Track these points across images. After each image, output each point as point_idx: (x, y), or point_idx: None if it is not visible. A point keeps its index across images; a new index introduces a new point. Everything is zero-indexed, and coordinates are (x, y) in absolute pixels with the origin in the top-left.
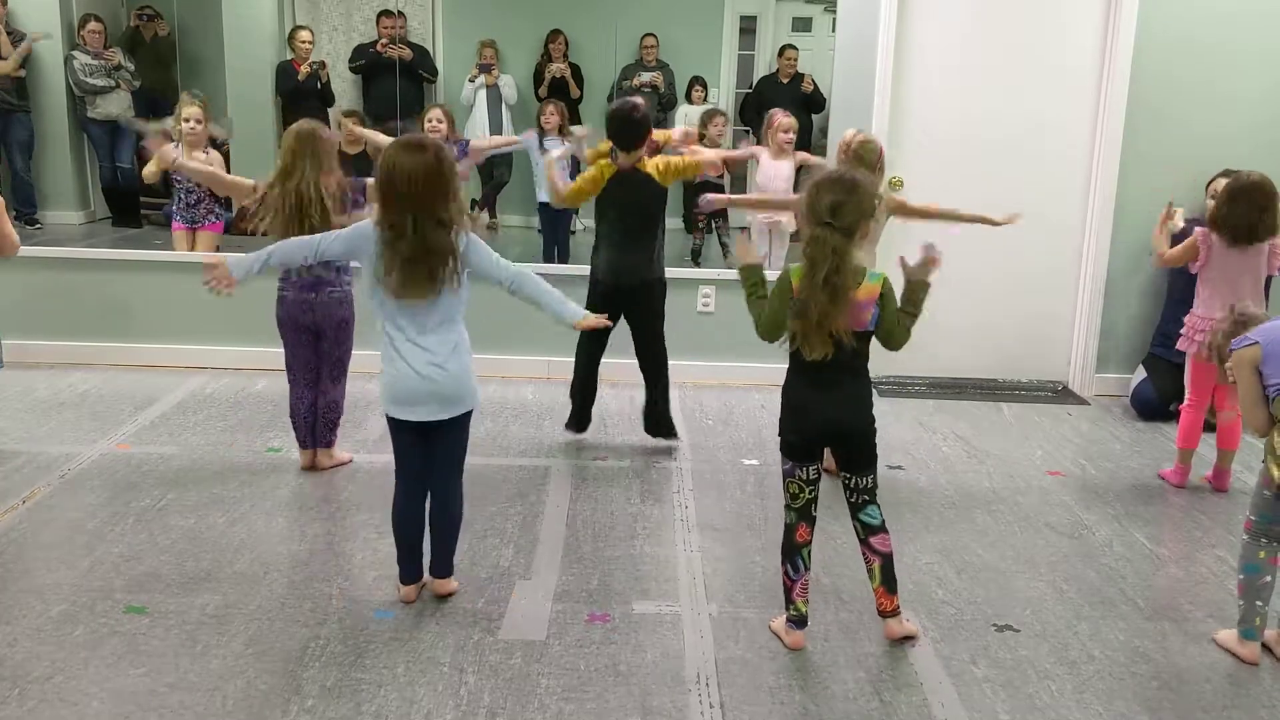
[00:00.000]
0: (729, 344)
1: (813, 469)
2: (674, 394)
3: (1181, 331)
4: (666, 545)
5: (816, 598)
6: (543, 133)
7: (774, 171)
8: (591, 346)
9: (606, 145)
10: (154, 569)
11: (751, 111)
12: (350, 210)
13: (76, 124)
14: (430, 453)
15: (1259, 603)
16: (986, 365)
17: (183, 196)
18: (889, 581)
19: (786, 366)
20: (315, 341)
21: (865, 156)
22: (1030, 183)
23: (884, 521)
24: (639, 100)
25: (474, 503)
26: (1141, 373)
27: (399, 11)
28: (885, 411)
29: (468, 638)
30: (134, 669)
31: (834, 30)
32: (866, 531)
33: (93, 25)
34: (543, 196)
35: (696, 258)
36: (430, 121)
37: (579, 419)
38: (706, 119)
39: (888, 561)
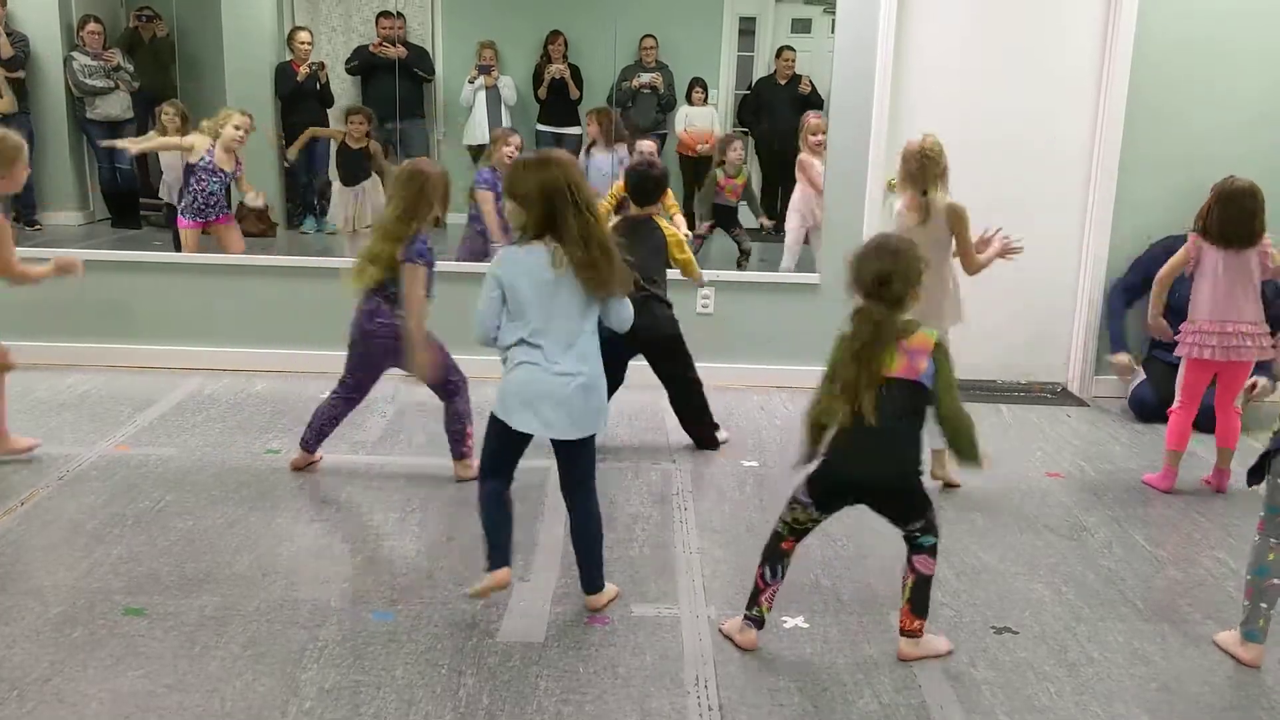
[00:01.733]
0: (728, 345)
1: (825, 516)
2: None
3: (1177, 336)
4: (665, 547)
5: (816, 599)
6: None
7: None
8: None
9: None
10: (153, 570)
11: (749, 113)
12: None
13: (76, 125)
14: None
15: (1264, 604)
16: (986, 367)
17: (196, 196)
18: (917, 602)
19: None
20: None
21: (936, 158)
22: (1030, 184)
23: (935, 545)
24: (655, 158)
25: (472, 504)
26: (1140, 374)
27: (398, 12)
28: None
29: (466, 640)
30: (132, 670)
31: (833, 32)
32: (914, 550)
33: (92, 26)
34: None
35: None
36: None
37: None
38: (725, 145)
39: (922, 582)
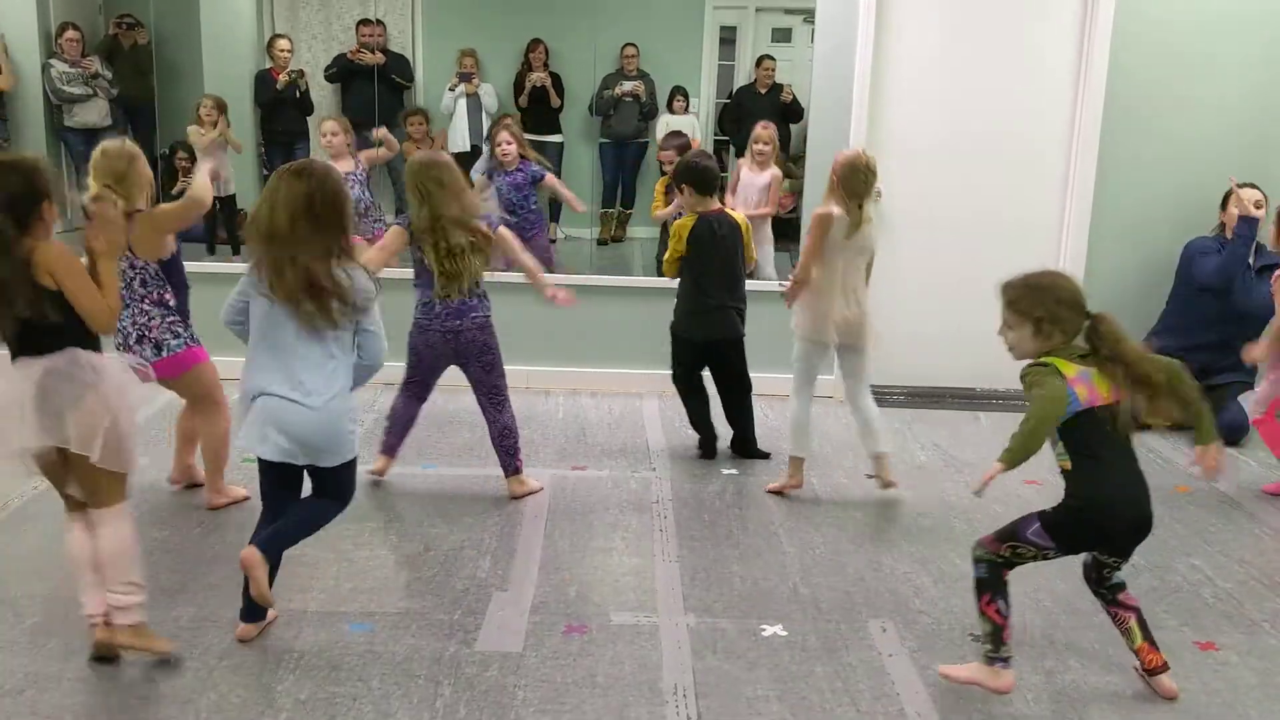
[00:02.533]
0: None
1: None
2: (654, 403)
3: None
4: (645, 555)
5: (794, 607)
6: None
7: (750, 182)
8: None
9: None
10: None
11: (730, 121)
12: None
13: (54, 133)
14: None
15: None
16: (964, 374)
17: None
18: (1149, 633)
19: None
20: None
21: (874, 171)
22: (1008, 190)
23: (1124, 579)
24: (702, 150)
25: (450, 514)
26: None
27: (378, 20)
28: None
29: (444, 650)
30: (106, 681)
31: (813, 41)
32: (1113, 592)
33: (70, 33)
34: None
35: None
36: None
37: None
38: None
39: (1140, 614)
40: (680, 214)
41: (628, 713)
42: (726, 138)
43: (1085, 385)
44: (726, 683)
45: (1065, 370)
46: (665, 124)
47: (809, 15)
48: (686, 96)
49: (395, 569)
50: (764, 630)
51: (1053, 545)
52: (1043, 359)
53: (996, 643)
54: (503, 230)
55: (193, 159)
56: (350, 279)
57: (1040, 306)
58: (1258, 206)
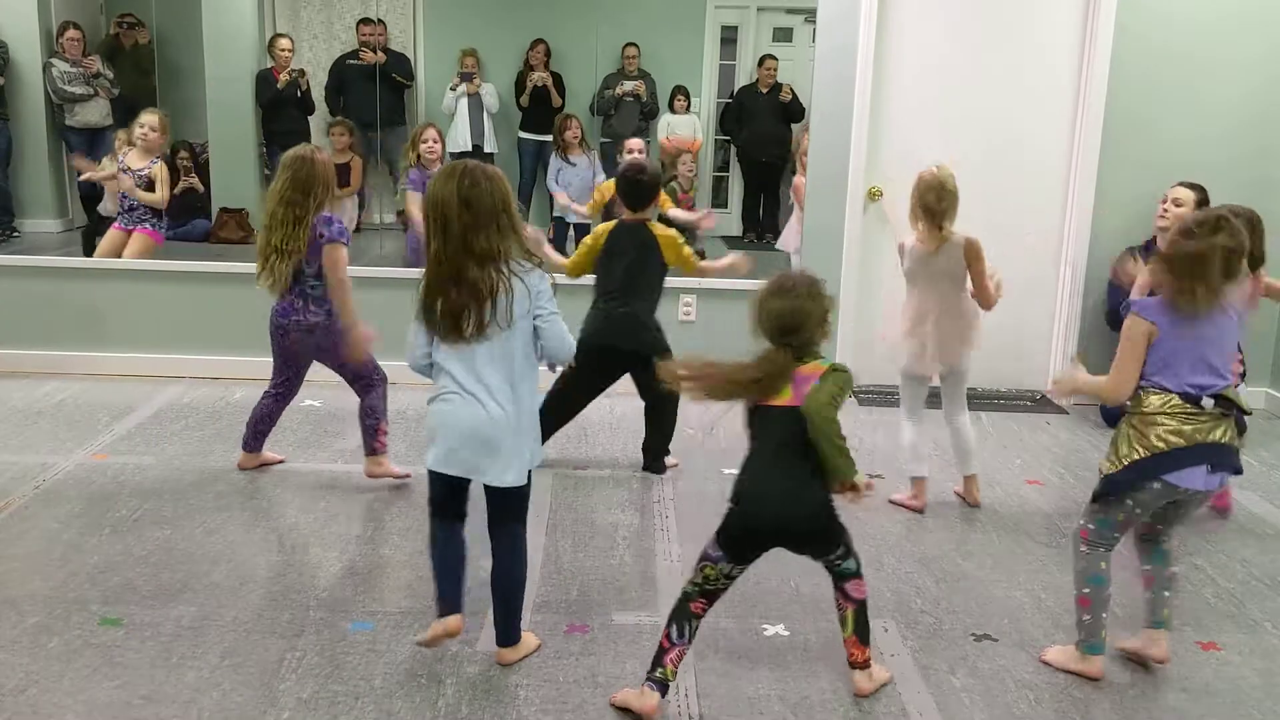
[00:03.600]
0: (710, 353)
1: (739, 569)
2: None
3: None
4: (646, 555)
5: (796, 607)
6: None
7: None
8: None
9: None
10: (130, 580)
11: (732, 121)
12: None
13: (55, 132)
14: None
15: (1105, 615)
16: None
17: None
18: (861, 630)
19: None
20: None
21: (954, 190)
22: (1009, 191)
23: (860, 567)
24: (646, 161)
25: None
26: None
27: (379, 20)
28: (865, 421)
29: (446, 649)
30: (108, 681)
31: (814, 40)
32: (841, 579)
33: (71, 33)
34: None
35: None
36: (426, 142)
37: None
38: (674, 160)
39: (861, 608)
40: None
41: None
42: (728, 137)
43: None
44: (728, 682)
45: None
46: (667, 123)
47: (810, 15)
48: (688, 96)
49: (397, 568)
50: (766, 630)
51: (720, 553)
52: None
53: (655, 663)
54: (333, 248)
55: (193, 158)
56: None
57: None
58: (1176, 204)
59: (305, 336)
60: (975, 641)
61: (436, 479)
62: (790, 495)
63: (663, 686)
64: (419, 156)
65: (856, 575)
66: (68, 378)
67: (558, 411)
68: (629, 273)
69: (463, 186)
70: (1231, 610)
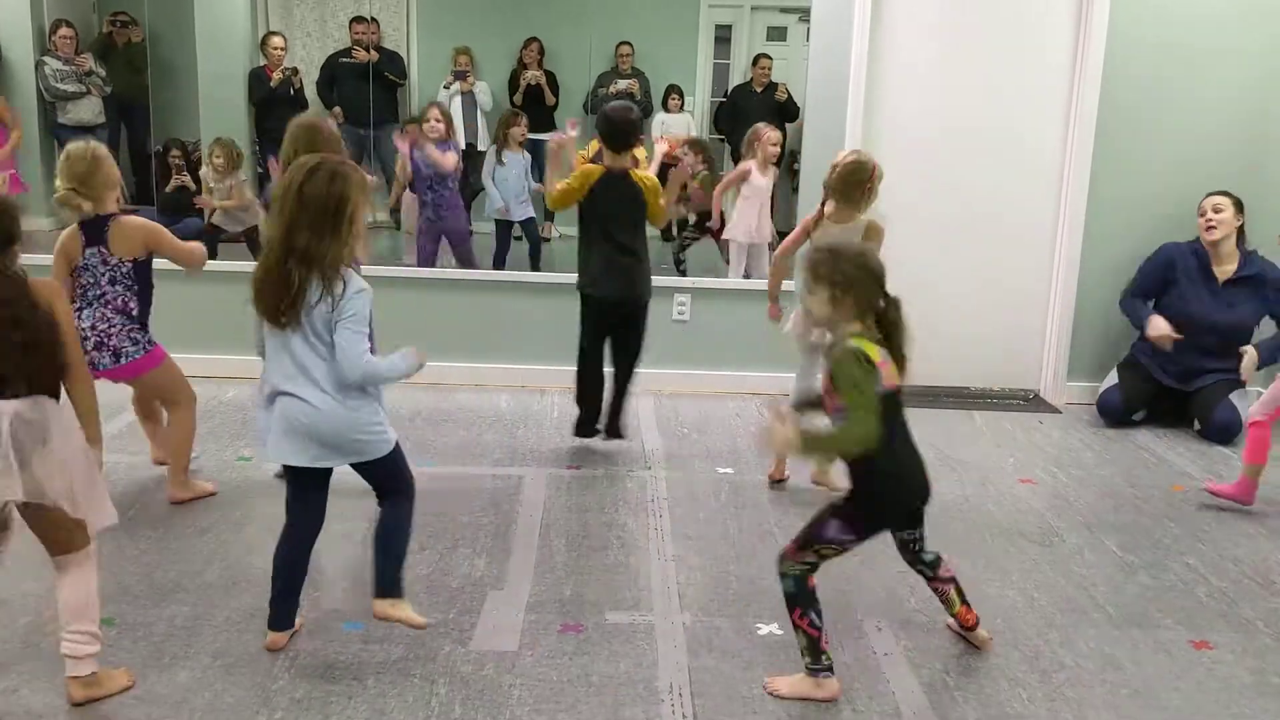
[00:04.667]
0: (704, 352)
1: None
2: (650, 402)
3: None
4: (640, 554)
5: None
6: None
7: (762, 184)
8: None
9: (593, 148)
10: (122, 580)
11: (726, 120)
12: None
13: (48, 130)
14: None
15: None
16: (958, 373)
17: None
18: (966, 599)
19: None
20: None
21: (857, 176)
22: (1003, 190)
23: (937, 553)
24: (631, 104)
25: (446, 512)
26: (1111, 379)
27: (372, 18)
28: None
29: (439, 649)
30: None
31: (808, 40)
32: (932, 568)
33: (64, 31)
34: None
35: (679, 266)
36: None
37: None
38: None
39: (958, 583)
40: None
41: (623, 712)
42: (722, 136)
43: (887, 367)
44: (722, 681)
45: (872, 353)
46: (661, 122)
47: (804, 14)
48: (681, 95)
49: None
50: (760, 629)
51: (854, 536)
52: (851, 344)
53: (815, 654)
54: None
55: (185, 156)
56: None
57: (838, 271)
58: (1216, 211)
59: None
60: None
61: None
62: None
63: (831, 670)
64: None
65: (939, 559)
66: None
67: (594, 380)
68: (633, 220)
69: (305, 180)
70: (1224, 609)
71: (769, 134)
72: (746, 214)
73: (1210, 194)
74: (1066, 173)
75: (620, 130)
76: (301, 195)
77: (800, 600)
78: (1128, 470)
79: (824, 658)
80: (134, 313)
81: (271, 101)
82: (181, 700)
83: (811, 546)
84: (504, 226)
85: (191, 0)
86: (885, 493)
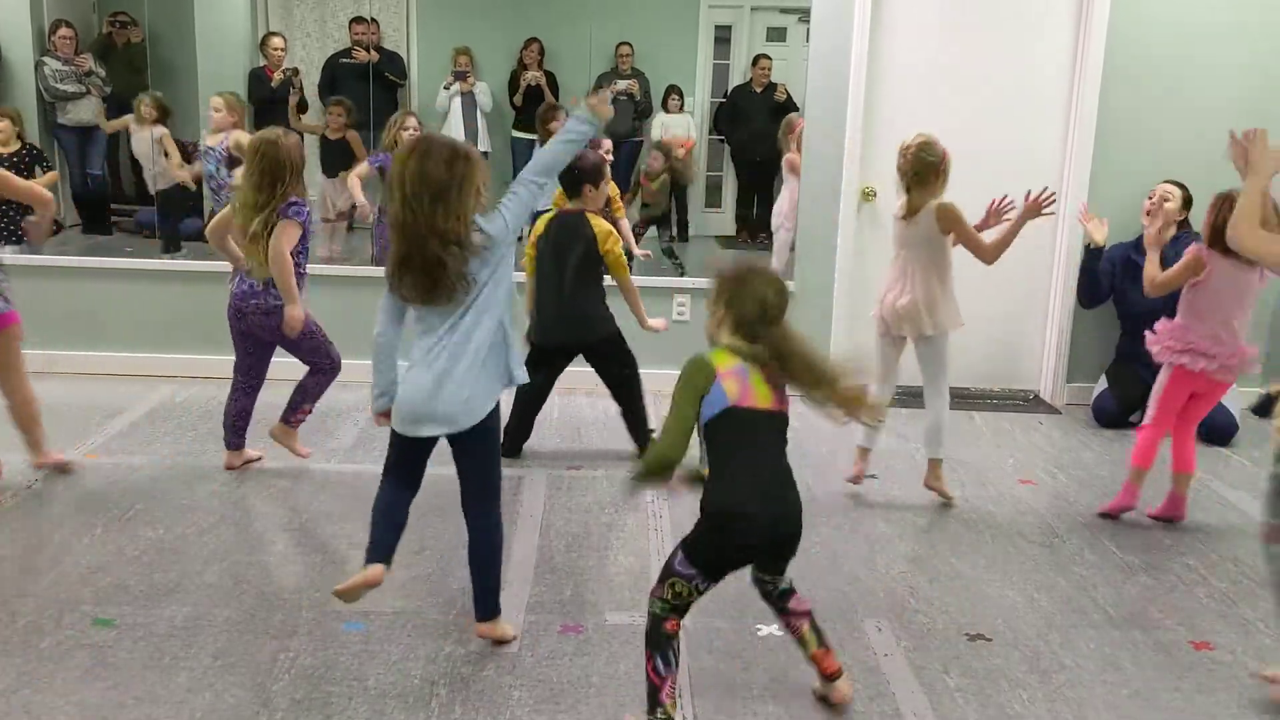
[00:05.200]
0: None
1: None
2: (650, 402)
3: (1152, 335)
4: (640, 555)
5: None
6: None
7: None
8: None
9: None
10: (122, 580)
11: (725, 120)
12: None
13: (47, 130)
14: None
15: None
16: (958, 374)
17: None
18: (824, 640)
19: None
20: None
21: (927, 159)
22: (1002, 191)
23: (790, 582)
24: (587, 151)
25: (445, 512)
26: (1101, 384)
27: (372, 18)
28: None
29: (439, 649)
30: (100, 682)
31: (808, 40)
32: (784, 599)
33: (64, 31)
34: None
35: (672, 257)
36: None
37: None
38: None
39: (813, 620)
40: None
41: (623, 712)
42: (722, 137)
43: (738, 381)
44: (722, 682)
45: (719, 362)
46: (661, 123)
47: (804, 14)
48: (681, 95)
49: (391, 567)
50: (760, 630)
51: (695, 572)
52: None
53: (651, 704)
54: (284, 224)
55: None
56: None
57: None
58: (1165, 199)
59: (264, 319)
60: (969, 641)
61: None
62: (792, 501)
63: None
64: (396, 141)
65: (791, 591)
66: (59, 377)
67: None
68: (561, 269)
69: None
70: (1224, 610)
71: (801, 123)
72: (784, 203)
73: (1165, 180)
74: (1066, 173)
75: (568, 175)
76: (423, 175)
77: (651, 640)
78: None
79: (659, 711)
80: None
81: (272, 101)
82: (182, 701)
83: (666, 580)
84: None
85: (191, 0)
86: (709, 527)
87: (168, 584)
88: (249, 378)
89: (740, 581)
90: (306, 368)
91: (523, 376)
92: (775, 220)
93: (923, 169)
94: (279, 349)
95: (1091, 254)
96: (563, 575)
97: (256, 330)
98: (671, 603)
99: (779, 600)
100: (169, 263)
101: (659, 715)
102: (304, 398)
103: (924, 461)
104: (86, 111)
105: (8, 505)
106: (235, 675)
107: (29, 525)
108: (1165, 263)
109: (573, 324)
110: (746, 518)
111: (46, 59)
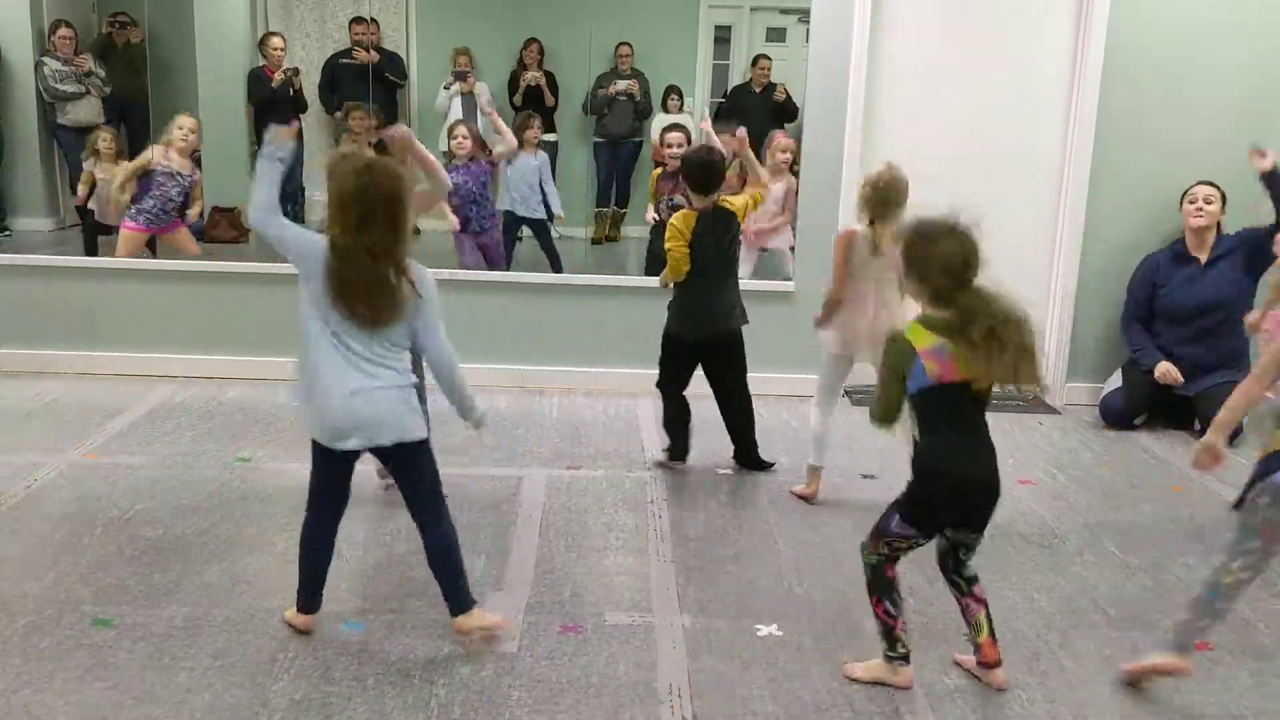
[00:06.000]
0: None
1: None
2: (650, 402)
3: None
4: (640, 555)
5: (790, 607)
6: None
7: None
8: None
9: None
10: (121, 580)
11: (725, 121)
12: None
13: (47, 130)
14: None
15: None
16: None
17: (155, 200)
18: (992, 628)
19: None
20: None
21: (893, 194)
22: (1002, 193)
23: (977, 571)
24: (715, 145)
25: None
26: (1115, 381)
27: (371, 19)
28: (858, 420)
29: (438, 650)
30: (100, 682)
31: (808, 41)
32: (969, 584)
33: (63, 31)
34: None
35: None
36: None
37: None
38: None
39: (989, 610)
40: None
41: (622, 713)
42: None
43: (936, 361)
44: (721, 683)
45: (917, 341)
46: (661, 123)
47: (804, 15)
48: (681, 96)
49: (389, 568)
50: (759, 630)
51: (914, 531)
52: (900, 328)
53: (890, 641)
54: None
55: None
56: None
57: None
58: (1208, 202)
59: None
60: (968, 641)
61: None
62: (989, 461)
63: (907, 659)
64: (449, 152)
65: (976, 577)
66: (59, 377)
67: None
68: (718, 267)
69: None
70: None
71: (780, 140)
72: (759, 220)
73: (1201, 182)
74: (1066, 173)
75: (708, 175)
76: (369, 195)
77: (876, 587)
78: (1127, 471)
79: (899, 645)
80: None
81: (271, 102)
82: (181, 701)
83: (881, 539)
84: (510, 225)
85: (191, 0)
86: (923, 483)
87: (167, 584)
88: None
89: (738, 582)
90: None
91: None
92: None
93: (887, 203)
94: None
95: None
96: (562, 575)
97: None
98: (887, 555)
99: (966, 583)
100: (169, 263)
101: (899, 650)
102: None
103: None
104: (86, 112)
105: (7, 505)
106: (234, 675)
107: (28, 525)
108: (1212, 264)
109: (729, 316)
110: (951, 476)
111: (46, 59)
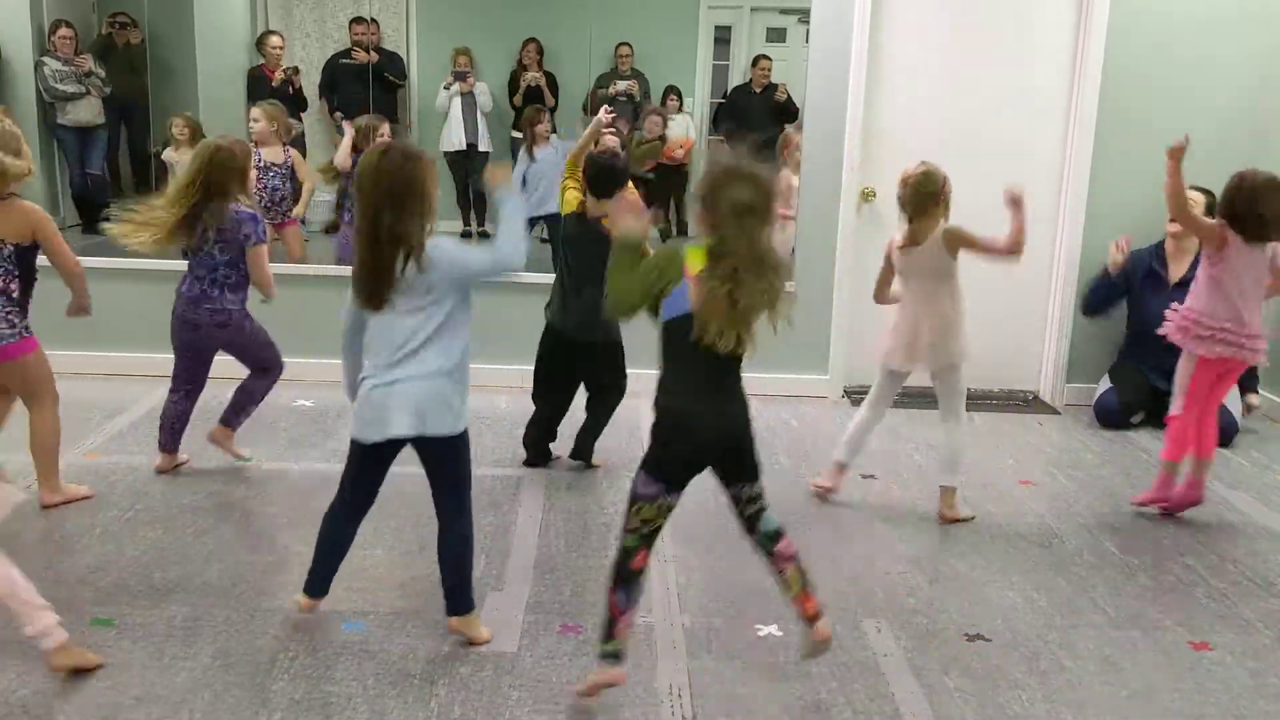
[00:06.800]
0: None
1: (677, 495)
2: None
3: (1172, 313)
4: None
5: (789, 607)
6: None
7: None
8: (557, 398)
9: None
10: (122, 580)
11: (725, 121)
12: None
13: (47, 130)
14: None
15: None
16: None
17: (262, 196)
18: (808, 583)
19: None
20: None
21: (927, 189)
22: (1001, 192)
23: (780, 524)
24: (620, 152)
25: None
26: (1106, 382)
27: (372, 19)
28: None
29: (438, 650)
30: (100, 682)
31: (808, 41)
32: (771, 541)
33: (64, 31)
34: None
35: (665, 238)
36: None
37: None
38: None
39: (799, 563)
40: None
41: (623, 713)
42: (721, 138)
43: (699, 287)
44: (721, 683)
45: (691, 262)
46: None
47: (804, 15)
48: (680, 96)
49: (390, 568)
50: (759, 630)
51: (656, 482)
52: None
53: (607, 634)
54: (257, 250)
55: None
56: None
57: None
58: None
59: (217, 331)
60: (968, 641)
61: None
62: (733, 413)
63: (617, 658)
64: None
65: (780, 533)
66: (59, 377)
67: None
68: (590, 269)
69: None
70: (1223, 610)
71: (796, 138)
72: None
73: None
74: (1066, 173)
75: (604, 178)
76: (379, 177)
77: (618, 574)
78: (1127, 471)
79: (611, 643)
80: (14, 294)
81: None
82: (181, 700)
83: (631, 508)
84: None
85: (191, 1)
86: (656, 428)
87: (167, 584)
88: (190, 383)
89: (738, 582)
90: (247, 370)
91: None
92: None
93: (922, 200)
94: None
95: (1107, 276)
96: (562, 576)
97: (208, 341)
98: (641, 532)
99: (769, 540)
100: (169, 263)
101: (609, 647)
102: (250, 400)
103: (924, 462)
104: (86, 112)
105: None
106: (235, 674)
107: (28, 525)
108: (1185, 284)
109: (592, 322)
110: (689, 427)
111: (46, 59)
